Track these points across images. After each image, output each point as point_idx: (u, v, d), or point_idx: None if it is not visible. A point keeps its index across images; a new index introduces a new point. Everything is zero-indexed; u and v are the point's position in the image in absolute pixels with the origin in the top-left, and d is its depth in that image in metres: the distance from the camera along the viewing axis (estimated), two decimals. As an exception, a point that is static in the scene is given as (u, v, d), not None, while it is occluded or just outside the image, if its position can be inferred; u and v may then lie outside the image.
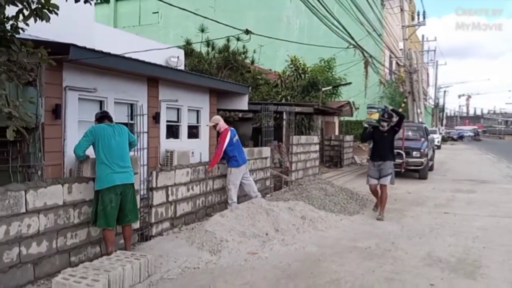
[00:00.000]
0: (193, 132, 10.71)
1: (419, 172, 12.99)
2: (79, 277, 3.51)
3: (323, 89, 16.18)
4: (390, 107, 7.92)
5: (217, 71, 16.34)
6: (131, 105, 8.67)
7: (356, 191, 9.23)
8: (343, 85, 17.82)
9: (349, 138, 17.69)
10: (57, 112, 6.95)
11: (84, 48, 6.79)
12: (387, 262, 4.84)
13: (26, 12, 3.89)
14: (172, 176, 6.01)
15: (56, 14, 4.12)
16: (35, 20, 3.67)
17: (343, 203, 7.94)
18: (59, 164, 7.10)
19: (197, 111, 10.83)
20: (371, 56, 18.69)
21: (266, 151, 9.33)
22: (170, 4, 7.32)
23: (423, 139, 14.06)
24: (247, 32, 6.61)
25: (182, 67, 12.52)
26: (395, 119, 7.46)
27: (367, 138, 8.04)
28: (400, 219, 7.25)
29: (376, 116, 7.53)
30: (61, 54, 6.20)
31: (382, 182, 7.42)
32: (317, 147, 12.66)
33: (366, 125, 7.90)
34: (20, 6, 3.96)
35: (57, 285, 3.47)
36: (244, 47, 16.48)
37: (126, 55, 7.90)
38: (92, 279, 3.48)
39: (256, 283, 4.14)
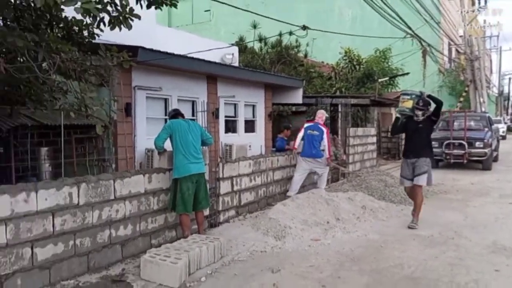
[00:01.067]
0: (250, 126, 11.06)
1: (482, 163, 12.61)
2: (163, 256, 3.94)
3: (379, 80, 15.91)
4: (427, 93, 6.53)
5: (270, 66, 16.54)
6: (193, 102, 9.16)
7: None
8: (400, 75, 17.38)
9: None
10: (128, 110, 7.53)
11: (151, 50, 7.30)
12: (450, 249, 4.88)
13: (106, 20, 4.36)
14: (236, 167, 6.37)
15: (132, 21, 4.56)
16: (120, 29, 4.11)
17: (403, 194, 7.87)
18: (130, 158, 7.71)
19: (253, 106, 11.14)
20: (429, 45, 18.06)
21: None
22: (222, 2, 7.41)
23: (486, 129, 13.56)
24: (304, 27, 6.74)
25: (236, 64, 12.88)
26: (432, 107, 6.34)
27: (399, 131, 6.89)
28: (463, 209, 7.16)
29: (410, 104, 6.31)
30: (130, 56, 6.73)
31: (415, 183, 6.15)
32: (374, 139, 12.56)
33: (398, 115, 6.66)
34: (102, 15, 4.45)
35: (145, 262, 3.92)
36: (297, 41, 16.55)
37: (186, 55, 8.37)
38: (175, 258, 3.89)
39: (321, 266, 4.37)
